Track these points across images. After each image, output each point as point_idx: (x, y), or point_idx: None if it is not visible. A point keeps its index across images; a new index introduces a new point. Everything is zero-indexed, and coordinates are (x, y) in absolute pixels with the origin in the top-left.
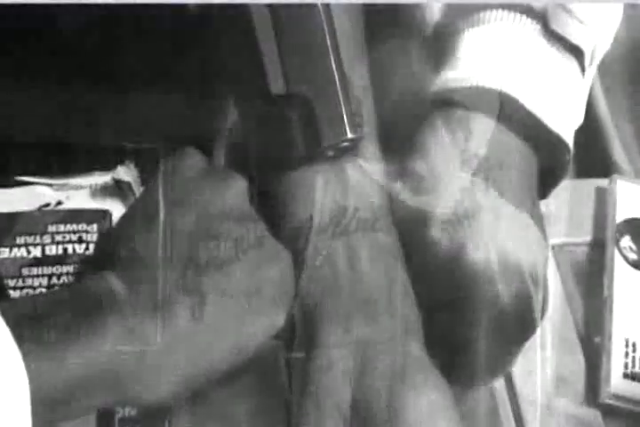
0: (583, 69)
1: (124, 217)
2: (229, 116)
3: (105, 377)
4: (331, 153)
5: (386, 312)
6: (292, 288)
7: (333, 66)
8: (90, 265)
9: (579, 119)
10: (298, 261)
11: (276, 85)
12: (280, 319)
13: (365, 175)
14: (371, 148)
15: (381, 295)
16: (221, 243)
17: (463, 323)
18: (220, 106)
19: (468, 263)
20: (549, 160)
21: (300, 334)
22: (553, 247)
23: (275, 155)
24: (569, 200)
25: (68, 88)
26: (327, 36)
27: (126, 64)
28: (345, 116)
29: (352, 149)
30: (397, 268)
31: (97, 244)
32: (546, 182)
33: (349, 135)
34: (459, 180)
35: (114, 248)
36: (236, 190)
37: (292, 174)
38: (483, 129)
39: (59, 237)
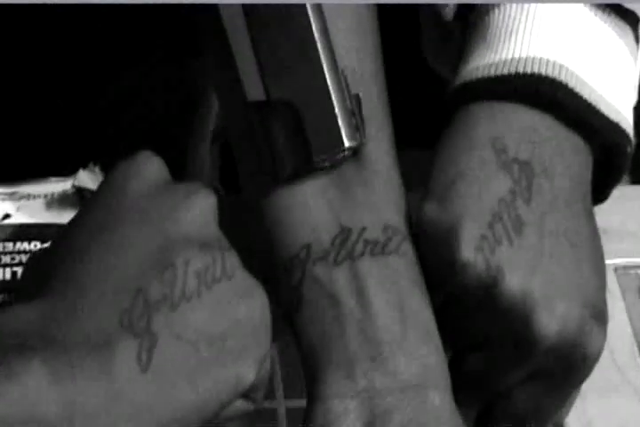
0: (638, 39)
1: (57, 237)
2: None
3: None
4: (327, 163)
5: (400, 354)
6: (267, 335)
7: (323, 63)
8: (14, 295)
9: (634, 98)
10: (294, 299)
11: (254, 91)
12: (249, 374)
13: (374, 186)
14: (380, 151)
15: (394, 333)
16: (179, 274)
17: (501, 365)
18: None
19: (507, 292)
20: (607, 154)
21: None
22: (616, 270)
23: (259, 170)
24: (634, 212)
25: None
26: (315, 31)
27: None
28: (340, 122)
29: (353, 157)
30: (415, 298)
31: (24, 269)
32: (603, 182)
33: (347, 144)
34: (496, 189)
35: (43, 274)
36: (202, 210)
37: (282, 192)
38: (525, 125)
39: (6, 259)
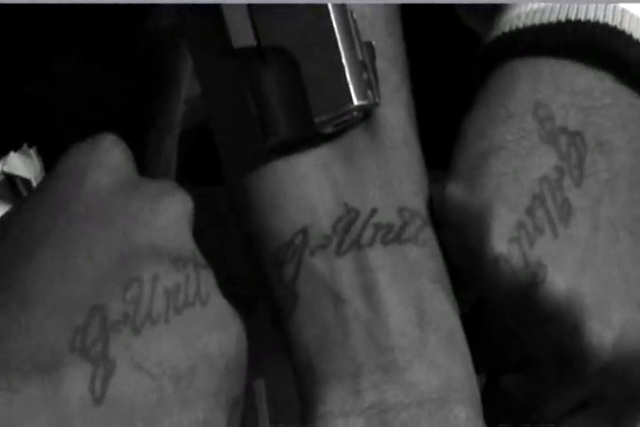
0: None
1: None
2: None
3: None
4: (330, 129)
5: (417, 363)
6: (241, 375)
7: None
8: None
9: None
10: (286, 298)
11: (241, 36)
12: (218, 421)
13: (388, 159)
14: (396, 116)
15: (410, 338)
16: (146, 291)
17: (545, 389)
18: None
19: (550, 294)
20: None
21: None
22: None
23: (246, 139)
24: None
25: None
26: None
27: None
28: (348, 75)
29: (363, 122)
30: (436, 297)
31: None
32: None
33: (356, 102)
34: (538, 166)
35: None
36: (176, 215)
37: (273, 164)
38: (577, 87)
39: None
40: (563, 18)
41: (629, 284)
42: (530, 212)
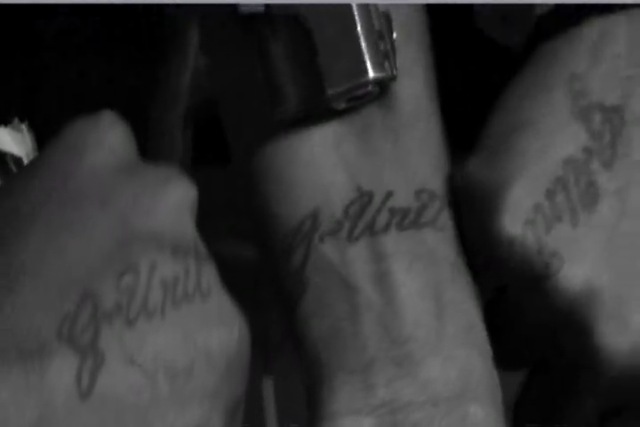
0: None
1: None
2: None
3: None
4: (343, 104)
5: (433, 357)
6: (243, 376)
7: None
8: None
9: None
10: (295, 287)
11: (248, 1)
12: (214, 423)
13: (406, 137)
14: (415, 91)
15: (427, 330)
16: (142, 281)
17: (560, 385)
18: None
19: (564, 288)
20: None
21: None
22: None
23: (254, 115)
24: None
25: None
26: None
27: None
28: (364, 45)
29: (379, 97)
30: (455, 286)
31: None
32: None
33: (372, 75)
34: (564, 145)
35: None
36: (179, 203)
37: (281, 143)
38: (617, 51)
39: None
40: None
41: None
42: (550, 195)
